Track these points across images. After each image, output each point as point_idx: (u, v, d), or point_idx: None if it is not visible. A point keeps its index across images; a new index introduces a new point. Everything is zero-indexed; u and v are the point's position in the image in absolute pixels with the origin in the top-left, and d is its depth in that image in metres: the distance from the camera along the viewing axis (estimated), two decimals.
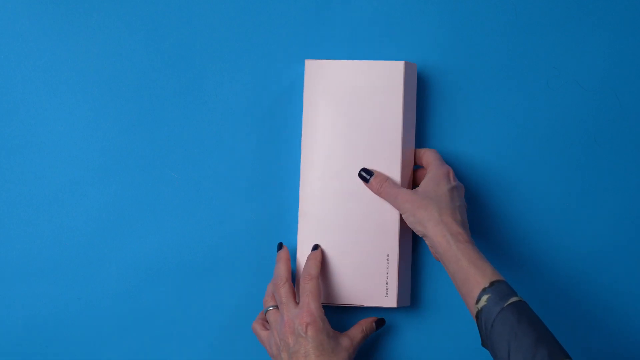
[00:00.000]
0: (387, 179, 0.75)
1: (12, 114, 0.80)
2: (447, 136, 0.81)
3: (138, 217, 0.80)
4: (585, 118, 0.82)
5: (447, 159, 0.80)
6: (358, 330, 0.74)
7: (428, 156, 0.76)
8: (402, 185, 0.76)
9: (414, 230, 0.72)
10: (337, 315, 0.79)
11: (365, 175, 0.75)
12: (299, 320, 0.69)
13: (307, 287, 0.71)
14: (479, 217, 0.81)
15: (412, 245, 0.79)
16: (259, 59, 0.81)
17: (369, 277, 0.76)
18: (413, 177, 0.78)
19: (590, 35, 0.82)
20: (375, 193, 0.75)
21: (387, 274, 0.75)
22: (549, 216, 0.81)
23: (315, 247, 0.76)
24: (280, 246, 0.77)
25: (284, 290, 0.72)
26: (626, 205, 0.82)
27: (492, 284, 0.64)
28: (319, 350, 0.69)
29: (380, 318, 0.77)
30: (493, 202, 0.81)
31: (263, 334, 0.74)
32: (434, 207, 0.69)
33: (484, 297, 0.64)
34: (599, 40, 0.82)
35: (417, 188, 0.73)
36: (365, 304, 0.76)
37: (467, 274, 0.66)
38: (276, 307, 0.74)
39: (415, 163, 0.78)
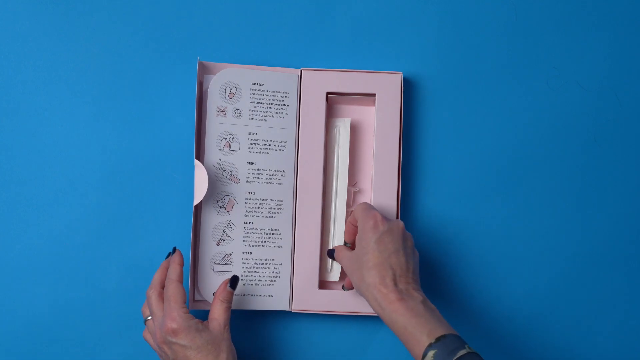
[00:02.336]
0: (341, 249, 0.74)
1: (12, 114, 0.80)
2: (447, 136, 0.81)
3: (138, 217, 0.80)
4: (585, 118, 0.82)
5: (447, 159, 0.80)
6: (217, 306, 0.71)
7: (355, 212, 0.72)
8: None
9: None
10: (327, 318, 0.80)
11: (331, 253, 0.76)
12: (165, 329, 0.67)
13: (169, 291, 0.68)
14: (479, 217, 0.81)
15: None
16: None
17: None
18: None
19: (590, 35, 0.82)
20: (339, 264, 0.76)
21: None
22: (548, 216, 0.81)
23: (173, 250, 0.73)
24: (173, 251, 0.73)
25: (153, 300, 0.70)
26: (626, 205, 0.81)
27: (437, 339, 0.61)
28: (196, 349, 0.66)
29: (232, 277, 0.73)
30: (492, 202, 0.81)
31: (151, 343, 0.72)
32: (361, 271, 0.67)
33: (430, 353, 0.61)
34: (599, 40, 0.82)
35: (355, 250, 0.71)
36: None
37: (405, 333, 0.63)
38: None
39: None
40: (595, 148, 0.82)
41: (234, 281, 0.72)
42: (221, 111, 0.77)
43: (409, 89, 0.81)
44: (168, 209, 0.80)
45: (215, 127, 0.77)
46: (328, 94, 0.79)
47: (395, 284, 0.66)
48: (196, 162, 0.75)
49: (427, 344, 0.62)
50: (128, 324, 0.80)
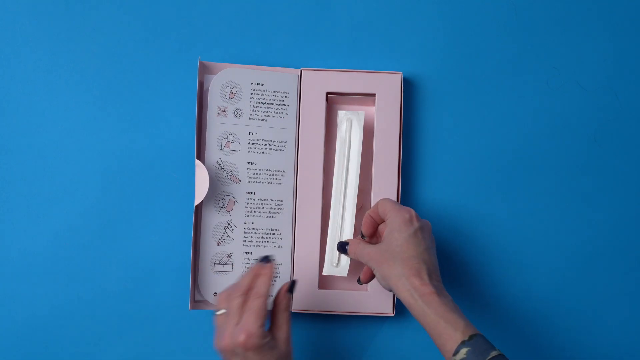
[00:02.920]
0: (358, 242, 0.73)
1: (12, 114, 0.80)
2: (447, 136, 0.81)
3: (138, 217, 0.80)
4: (585, 118, 0.82)
5: (447, 159, 0.80)
6: (279, 317, 0.69)
7: (383, 206, 0.72)
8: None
9: (382, 286, 0.70)
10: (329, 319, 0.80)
11: (343, 246, 0.75)
12: (237, 341, 0.65)
13: (253, 305, 0.66)
14: (479, 217, 0.81)
15: None
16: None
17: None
18: (378, 231, 0.75)
19: (590, 35, 0.82)
20: (353, 258, 0.74)
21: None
22: (549, 216, 0.81)
23: (267, 259, 0.70)
24: (267, 260, 0.70)
25: (235, 304, 0.67)
26: (626, 205, 0.82)
27: (471, 337, 0.62)
28: None
29: (291, 281, 0.71)
30: (493, 202, 0.81)
31: (218, 334, 0.69)
32: (394, 262, 0.67)
33: (463, 350, 0.62)
34: (599, 40, 0.82)
35: (381, 242, 0.71)
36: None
37: (438, 327, 0.64)
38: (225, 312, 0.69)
39: (379, 218, 0.74)
40: (595, 148, 0.82)
41: (292, 286, 0.71)
42: (222, 111, 0.77)
43: (409, 89, 0.81)
44: (168, 209, 0.80)
45: (215, 127, 0.77)
46: (328, 94, 0.79)
47: (430, 278, 0.66)
48: (197, 162, 0.75)
49: (460, 340, 0.62)
50: (128, 324, 0.80)
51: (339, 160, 0.78)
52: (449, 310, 0.64)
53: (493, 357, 0.61)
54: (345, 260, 0.77)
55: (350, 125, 0.78)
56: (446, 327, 0.63)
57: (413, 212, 0.70)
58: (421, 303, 0.65)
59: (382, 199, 0.73)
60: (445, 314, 0.64)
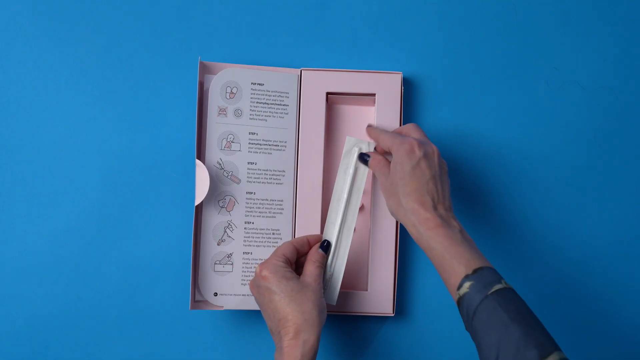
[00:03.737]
0: (381, 159, 0.73)
1: (12, 114, 0.80)
2: (447, 136, 0.81)
3: (138, 217, 0.80)
4: (585, 118, 0.82)
5: (447, 159, 0.80)
6: (308, 266, 0.71)
7: (385, 140, 0.71)
8: None
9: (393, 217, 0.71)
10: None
11: (365, 157, 0.75)
12: (257, 274, 0.69)
13: (278, 247, 0.72)
14: (478, 217, 0.81)
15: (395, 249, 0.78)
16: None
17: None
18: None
19: (590, 35, 0.82)
20: (372, 170, 0.74)
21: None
22: (548, 216, 0.81)
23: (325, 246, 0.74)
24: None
25: (274, 250, 0.72)
26: (626, 204, 0.82)
27: (475, 271, 0.61)
28: (281, 294, 0.67)
29: (323, 241, 0.74)
30: (492, 201, 0.81)
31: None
32: (398, 196, 0.67)
33: (466, 284, 0.61)
34: (598, 40, 0.82)
35: (389, 174, 0.70)
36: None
37: (443, 261, 0.63)
38: None
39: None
40: (595, 147, 0.82)
41: (325, 245, 0.73)
42: (222, 111, 0.77)
43: (409, 89, 0.81)
44: (168, 209, 0.80)
45: (216, 127, 0.77)
46: (328, 94, 0.79)
47: (435, 209, 0.65)
48: (197, 162, 0.75)
49: (463, 274, 0.61)
50: (128, 324, 0.80)
51: (340, 183, 0.76)
52: (455, 243, 0.63)
53: (497, 290, 0.59)
54: (337, 272, 0.75)
55: (357, 154, 0.76)
56: (450, 262, 0.62)
57: (414, 142, 0.68)
58: (427, 237, 0.64)
59: (382, 133, 0.72)
60: (449, 248, 0.62)
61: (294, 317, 0.66)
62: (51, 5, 0.80)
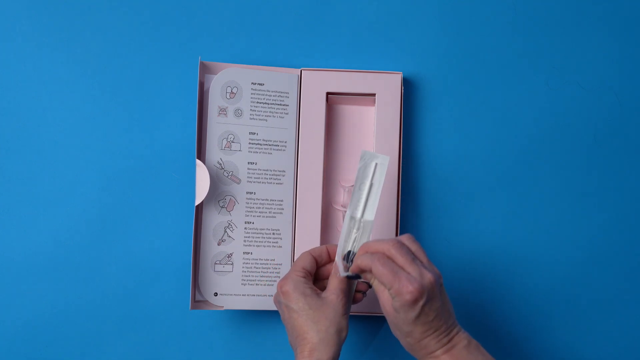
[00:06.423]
0: (388, 301, 0.65)
1: (12, 114, 0.80)
2: (447, 136, 0.81)
3: (138, 217, 0.80)
4: (585, 118, 0.82)
5: (447, 159, 0.80)
6: (332, 279, 0.68)
7: (382, 275, 0.62)
8: None
9: None
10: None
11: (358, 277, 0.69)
12: (278, 289, 0.68)
13: (297, 259, 0.70)
14: (479, 217, 0.81)
15: None
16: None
17: None
18: None
19: (590, 35, 0.82)
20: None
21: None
22: (549, 216, 0.81)
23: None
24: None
25: (294, 263, 0.70)
26: (626, 204, 0.82)
27: None
28: (298, 312, 0.66)
29: (349, 251, 0.68)
30: (492, 201, 0.81)
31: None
32: (405, 336, 0.65)
33: None
34: (599, 40, 0.82)
35: (391, 312, 0.64)
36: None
37: None
38: None
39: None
40: (595, 148, 0.82)
41: (348, 255, 0.68)
42: (222, 111, 0.77)
43: (409, 89, 0.81)
44: (169, 209, 0.80)
45: (216, 127, 0.77)
46: (328, 94, 0.79)
47: (440, 339, 0.64)
48: (197, 162, 0.75)
49: None
50: (128, 324, 0.80)
51: (355, 199, 0.69)
52: None
53: None
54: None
55: (374, 168, 0.69)
56: None
57: (415, 291, 0.61)
58: None
59: (377, 264, 0.63)
60: None
61: (310, 336, 0.65)
62: (51, 5, 0.80)
